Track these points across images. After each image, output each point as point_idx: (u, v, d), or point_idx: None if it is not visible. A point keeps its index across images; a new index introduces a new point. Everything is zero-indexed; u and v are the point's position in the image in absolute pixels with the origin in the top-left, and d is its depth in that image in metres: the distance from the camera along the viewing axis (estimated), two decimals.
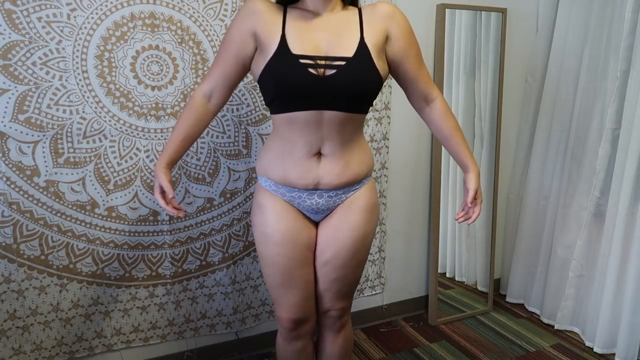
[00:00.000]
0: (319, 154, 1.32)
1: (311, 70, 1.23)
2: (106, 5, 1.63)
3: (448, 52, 2.25)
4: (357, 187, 1.39)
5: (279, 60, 1.24)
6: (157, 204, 1.82)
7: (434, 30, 2.21)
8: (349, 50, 1.25)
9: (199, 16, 1.75)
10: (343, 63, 1.24)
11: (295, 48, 1.24)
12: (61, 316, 1.78)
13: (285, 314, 1.42)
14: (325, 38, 1.26)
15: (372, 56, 1.27)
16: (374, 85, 1.30)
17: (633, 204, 2.01)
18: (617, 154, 2.07)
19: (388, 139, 2.21)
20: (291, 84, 1.24)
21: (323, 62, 1.24)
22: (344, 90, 1.25)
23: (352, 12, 1.33)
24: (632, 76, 1.99)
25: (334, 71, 1.24)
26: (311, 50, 1.24)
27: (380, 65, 1.29)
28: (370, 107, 1.39)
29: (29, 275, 1.70)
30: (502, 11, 2.32)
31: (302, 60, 1.23)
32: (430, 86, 1.42)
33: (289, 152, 1.32)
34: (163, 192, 1.36)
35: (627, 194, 2.01)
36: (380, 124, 2.17)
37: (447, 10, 2.19)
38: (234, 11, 1.79)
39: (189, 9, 1.73)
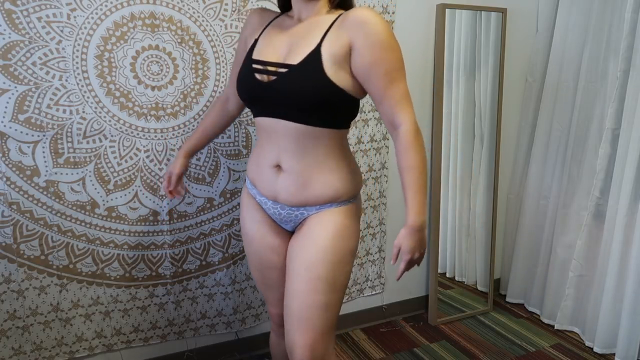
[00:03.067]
0: (279, 167, 1.27)
1: (257, 75, 1.22)
2: (106, 5, 1.63)
3: (448, 52, 2.25)
4: (322, 208, 1.28)
5: (242, 64, 1.29)
6: (157, 204, 1.82)
7: (434, 30, 2.21)
8: (299, 58, 1.17)
9: (199, 16, 1.75)
10: (285, 70, 1.19)
11: (256, 53, 1.26)
12: (61, 316, 1.78)
13: (273, 308, 1.46)
14: (288, 44, 1.22)
15: (324, 65, 1.14)
16: (323, 96, 1.17)
17: (633, 204, 2.01)
18: (617, 154, 2.07)
19: (388, 139, 2.21)
20: (240, 87, 1.29)
21: (273, 69, 1.21)
22: (282, 98, 1.19)
23: (331, 17, 1.22)
24: (632, 76, 1.99)
25: (275, 78, 1.20)
26: (269, 56, 1.23)
27: (340, 77, 1.16)
28: (354, 120, 1.30)
29: (29, 275, 1.70)
30: (502, 11, 2.32)
31: (254, 65, 1.24)
32: (397, 111, 1.18)
33: (258, 157, 1.32)
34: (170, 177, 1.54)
35: (627, 194, 2.01)
36: (380, 124, 2.17)
37: (447, 10, 2.19)
38: (234, 11, 1.79)
39: (189, 9, 1.73)
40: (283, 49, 1.22)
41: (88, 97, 1.66)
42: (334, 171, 1.26)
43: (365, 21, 1.13)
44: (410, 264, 1.22)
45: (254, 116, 1.32)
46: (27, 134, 1.61)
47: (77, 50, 1.62)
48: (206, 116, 1.55)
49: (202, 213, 1.91)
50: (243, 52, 1.34)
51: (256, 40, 1.30)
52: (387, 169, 2.24)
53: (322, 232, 1.25)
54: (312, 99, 1.17)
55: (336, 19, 1.19)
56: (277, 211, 1.32)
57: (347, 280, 1.30)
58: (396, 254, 1.23)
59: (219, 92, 1.84)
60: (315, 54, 1.16)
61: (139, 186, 1.80)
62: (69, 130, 1.66)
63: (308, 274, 1.24)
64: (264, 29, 1.31)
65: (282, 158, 1.25)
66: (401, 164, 1.21)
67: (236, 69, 1.36)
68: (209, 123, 1.53)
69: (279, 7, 1.36)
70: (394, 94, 1.17)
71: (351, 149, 2.10)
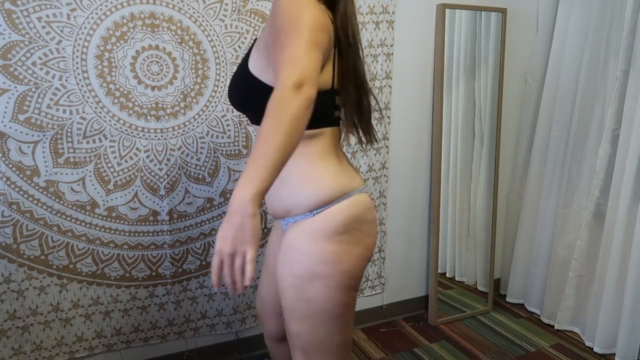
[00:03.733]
0: None
1: None
2: (106, 5, 1.63)
3: (448, 52, 2.25)
4: (285, 221, 1.16)
5: None
6: (157, 204, 1.82)
7: (434, 30, 2.21)
8: None
9: (199, 16, 1.75)
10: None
11: None
12: (61, 316, 1.78)
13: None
14: None
15: (250, 56, 1.08)
16: (241, 88, 1.09)
17: (633, 204, 2.01)
18: (617, 154, 2.07)
19: (388, 139, 2.21)
20: None
21: None
22: (229, 95, 1.17)
23: None
24: (632, 76, 1.99)
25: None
26: None
27: (262, 67, 1.05)
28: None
29: (29, 275, 1.70)
30: (502, 11, 2.32)
31: None
32: (279, 74, 0.89)
33: None
34: None
35: (627, 194, 2.01)
36: (380, 124, 2.17)
37: (447, 10, 2.19)
38: (234, 11, 1.79)
39: (189, 9, 1.73)
40: None
41: (88, 97, 1.66)
42: (305, 181, 1.09)
43: None
44: (220, 258, 0.85)
45: None
46: (27, 134, 1.61)
47: (77, 50, 1.62)
48: None
49: (202, 213, 1.91)
50: None
51: None
52: (387, 169, 2.24)
53: (270, 258, 1.26)
54: (234, 93, 1.12)
55: None
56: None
57: (330, 301, 1.08)
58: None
59: (219, 92, 1.84)
60: (250, 47, 1.11)
61: (139, 186, 1.80)
62: (69, 130, 1.66)
63: (285, 301, 1.14)
64: None
65: None
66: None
67: None
68: None
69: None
70: (278, 61, 0.91)
71: (351, 149, 2.11)
